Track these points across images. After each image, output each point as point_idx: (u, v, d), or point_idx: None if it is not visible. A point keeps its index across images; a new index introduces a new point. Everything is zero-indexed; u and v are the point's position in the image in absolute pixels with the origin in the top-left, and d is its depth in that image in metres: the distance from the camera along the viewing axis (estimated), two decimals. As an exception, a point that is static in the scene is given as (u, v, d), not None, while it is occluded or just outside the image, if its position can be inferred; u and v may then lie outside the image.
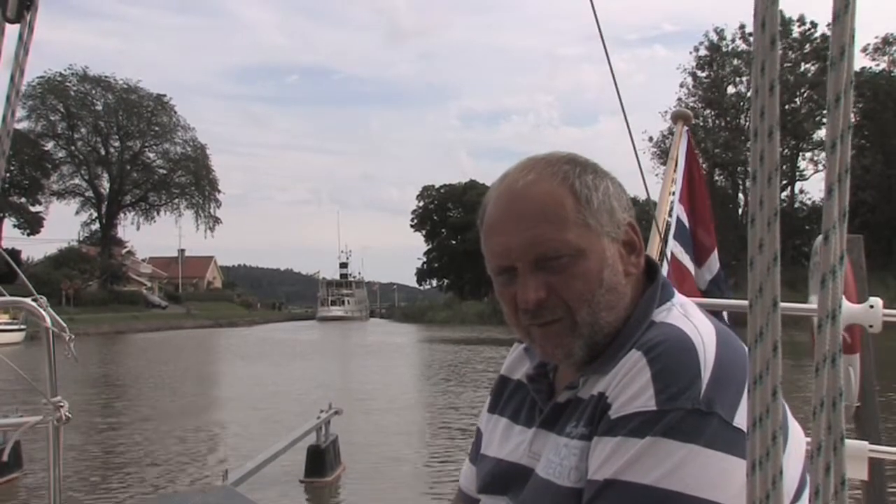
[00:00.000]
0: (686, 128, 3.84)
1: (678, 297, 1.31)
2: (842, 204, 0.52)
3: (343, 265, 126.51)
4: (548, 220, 1.24)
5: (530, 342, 1.33)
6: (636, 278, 1.31)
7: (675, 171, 3.71)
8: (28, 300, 2.27)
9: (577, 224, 1.25)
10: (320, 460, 10.20)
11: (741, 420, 1.09)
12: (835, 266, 0.54)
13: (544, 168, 1.30)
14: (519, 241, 1.25)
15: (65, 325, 2.25)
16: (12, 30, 0.97)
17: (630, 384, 1.15)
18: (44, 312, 2.22)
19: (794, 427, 1.20)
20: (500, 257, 1.28)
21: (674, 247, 3.50)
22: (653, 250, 3.19)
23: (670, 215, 3.67)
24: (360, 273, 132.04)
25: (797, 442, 1.18)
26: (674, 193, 3.69)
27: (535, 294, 1.23)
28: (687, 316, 1.24)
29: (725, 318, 3.05)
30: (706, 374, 1.13)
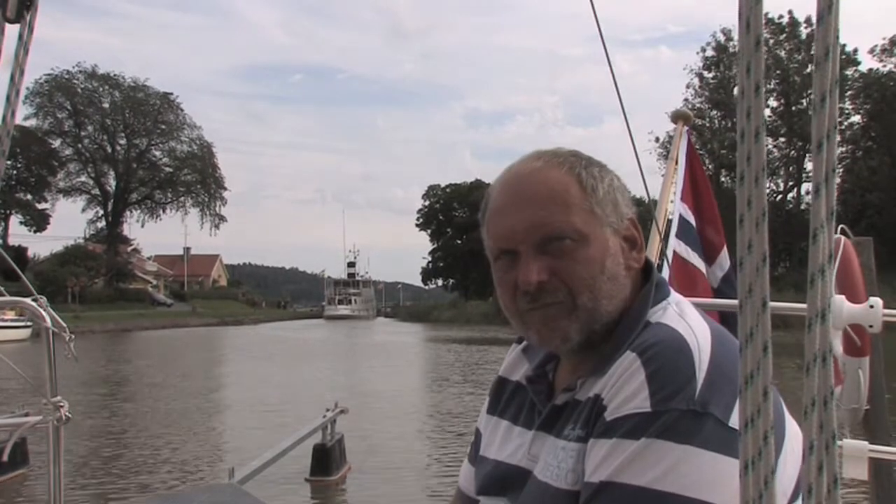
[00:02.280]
0: (686, 127, 3.84)
1: (674, 297, 1.31)
2: (829, 203, 0.53)
3: (351, 264, 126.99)
4: (554, 203, 1.26)
5: (525, 330, 1.32)
6: (635, 275, 1.31)
7: (675, 170, 3.72)
8: (28, 300, 2.27)
9: (583, 210, 1.26)
10: (326, 459, 10.21)
11: (737, 420, 1.09)
12: (823, 265, 0.54)
13: (551, 158, 1.32)
14: (524, 223, 1.26)
15: (65, 324, 2.25)
16: (12, 30, 0.97)
17: (625, 386, 1.15)
18: (43, 312, 2.22)
19: (792, 426, 1.20)
20: (503, 240, 1.29)
21: (677, 245, 3.49)
22: (653, 250, 3.19)
23: (672, 214, 3.67)
24: (366, 272, 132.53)
25: (795, 441, 1.18)
26: (675, 193, 3.69)
27: (538, 275, 1.24)
28: (682, 316, 1.24)
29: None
30: (701, 375, 1.13)
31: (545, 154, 1.33)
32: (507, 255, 1.29)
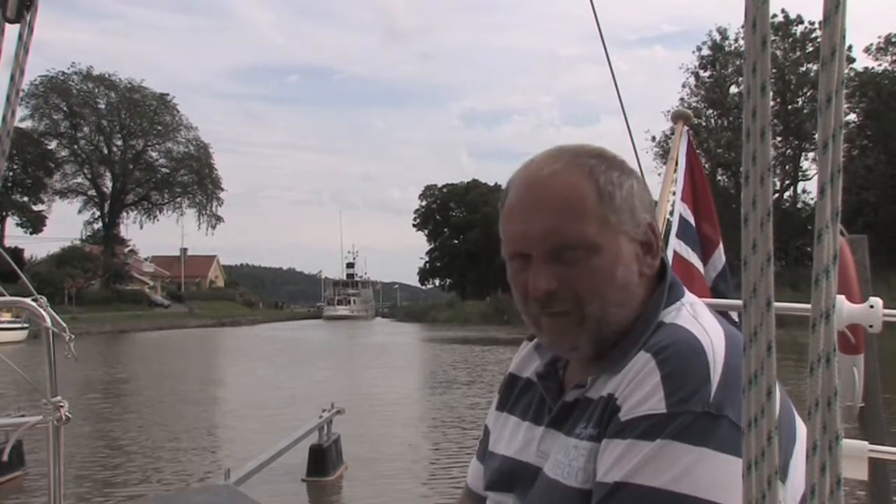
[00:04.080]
0: (686, 127, 3.84)
1: (688, 297, 1.30)
2: (834, 203, 0.52)
3: (350, 265, 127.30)
4: (568, 212, 1.24)
5: (538, 331, 1.32)
6: (649, 279, 1.30)
7: (675, 170, 3.72)
8: (28, 300, 2.26)
9: (597, 219, 1.24)
10: (322, 459, 10.20)
11: None
12: (828, 266, 0.54)
13: (571, 159, 1.29)
14: (537, 230, 1.25)
15: (65, 324, 2.24)
16: (12, 30, 0.97)
17: (640, 387, 1.15)
18: (43, 312, 2.21)
19: (803, 429, 1.19)
20: (516, 243, 1.28)
21: (677, 245, 3.50)
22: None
23: (671, 215, 3.68)
24: (365, 273, 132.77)
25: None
26: (674, 193, 3.70)
27: (547, 284, 1.23)
28: (696, 317, 1.24)
29: (736, 317, 3.04)
30: (716, 377, 1.12)
31: (567, 153, 1.30)
32: (520, 257, 1.28)
